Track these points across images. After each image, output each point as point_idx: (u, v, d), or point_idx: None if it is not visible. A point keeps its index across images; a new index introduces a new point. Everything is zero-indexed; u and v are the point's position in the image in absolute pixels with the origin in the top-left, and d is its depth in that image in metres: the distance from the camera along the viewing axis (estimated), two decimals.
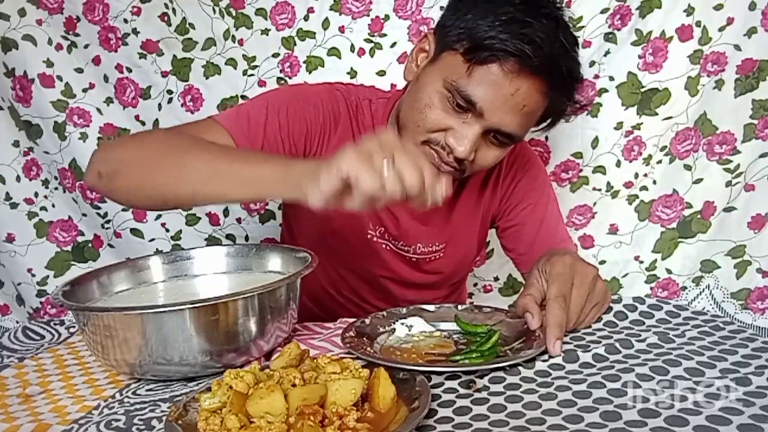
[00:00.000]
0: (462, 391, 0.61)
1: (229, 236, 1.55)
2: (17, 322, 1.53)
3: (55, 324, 0.95)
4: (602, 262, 1.43)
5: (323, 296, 1.09)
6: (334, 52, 1.41)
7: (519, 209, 1.04)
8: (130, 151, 0.78)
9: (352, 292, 1.07)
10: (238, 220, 1.53)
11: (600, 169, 1.40)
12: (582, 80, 0.86)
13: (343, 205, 0.61)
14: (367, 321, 0.79)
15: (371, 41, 1.40)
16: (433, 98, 0.83)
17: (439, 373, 0.64)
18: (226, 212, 1.52)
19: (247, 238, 1.54)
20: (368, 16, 1.38)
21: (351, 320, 0.84)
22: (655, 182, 1.38)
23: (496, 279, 1.54)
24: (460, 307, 0.83)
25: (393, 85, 1.37)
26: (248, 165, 0.71)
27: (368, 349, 0.69)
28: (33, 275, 1.53)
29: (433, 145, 0.84)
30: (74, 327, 0.93)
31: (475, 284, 1.54)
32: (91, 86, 1.45)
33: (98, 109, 1.46)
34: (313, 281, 1.00)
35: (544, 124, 0.92)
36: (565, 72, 0.81)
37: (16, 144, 1.49)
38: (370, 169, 0.57)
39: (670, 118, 1.33)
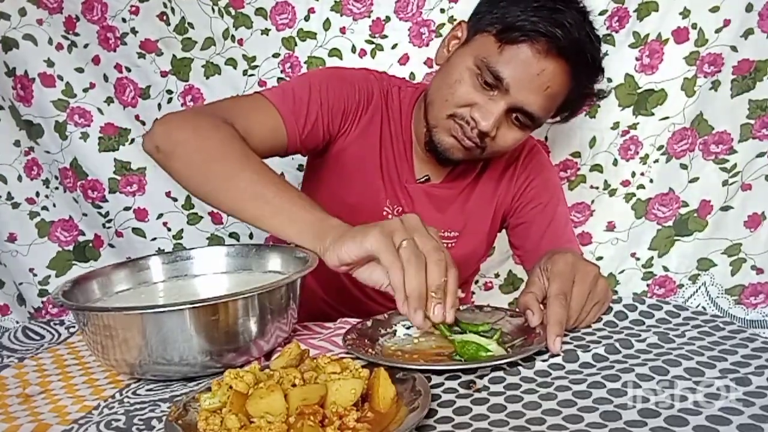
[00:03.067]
0: (462, 391, 0.61)
1: (232, 234, 1.56)
2: (17, 322, 1.53)
3: (55, 324, 0.95)
4: (599, 258, 1.45)
5: (330, 278, 1.09)
6: (335, 52, 1.41)
7: (530, 208, 1.07)
8: (190, 138, 0.80)
9: None
10: None
11: (597, 168, 1.41)
12: (603, 72, 0.93)
13: (356, 274, 0.68)
14: (369, 323, 0.79)
15: (372, 42, 1.40)
16: (463, 74, 0.89)
17: (439, 373, 0.64)
18: None
19: (251, 235, 1.55)
20: (369, 17, 1.39)
21: (352, 320, 0.84)
22: (651, 181, 1.40)
23: (497, 276, 1.55)
24: (461, 307, 0.83)
25: None
26: (290, 201, 0.73)
27: (369, 350, 0.69)
28: (35, 275, 1.54)
29: (458, 119, 0.91)
30: (74, 327, 0.93)
31: (476, 281, 1.54)
32: (92, 86, 1.46)
33: (99, 109, 1.47)
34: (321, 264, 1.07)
35: (564, 116, 0.98)
36: (590, 59, 0.87)
37: (17, 144, 1.49)
38: (391, 247, 0.62)
39: (666, 118, 1.34)
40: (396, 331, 0.77)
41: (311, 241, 0.71)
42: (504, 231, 1.15)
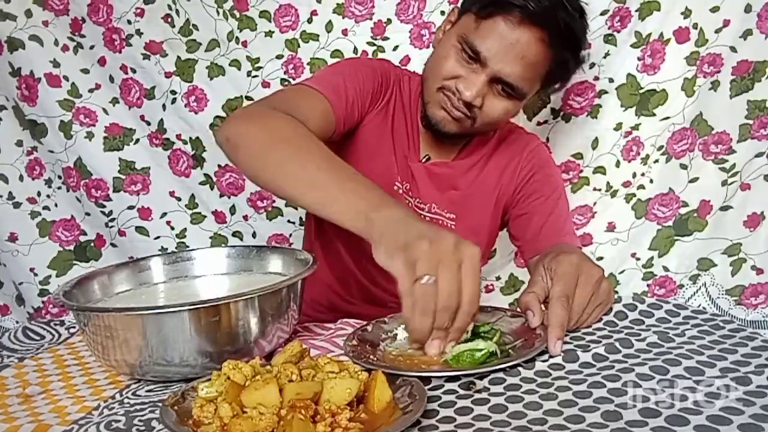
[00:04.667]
0: (462, 392, 0.61)
1: (235, 234, 1.56)
2: (17, 322, 1.53)
3: (55, 324, 0.95)
4: (599, 259, 1.44)
5: (339, 265, 1.12)
6: (337, 54, 1.42)
7: (531, 200, 1.09)
8: (253, 130, 0.82)
9: (368, 259, 1.08)
10: (245, 218, 1.54)
11: (600, 170, 1.40)
12: (584, 38, 0.97)
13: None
14: (369, 327, 0.79)
15: (374, 44, 1.41)
16: (449, 51, 0.96)
17: (439, 376, 0.64)
18: (232, 210, 1.54)
19: (254, 235, 1.55)
20: (371, 19, 1.39)
21: (352, 321, 0.85)
22: (651, 181, 1.39)
23: (498, 278, 1.55)
24: None
25: None
26: (340, 188, 0.72)
27: (371, 356, 0.69)
28: (35, 275, 1.54)
29: (446, 91, 0.97)
30: (74, 327, 0.93)
31: None
32: (97, 86, 1.47)
33: (104, 109, 1.48)
34: (331, 252, 1.07)
35: (553, 87, 1.04)
36: (563, 25, 0.90)
37: (19, 143, 1.50)
38: (409, 281, 0.61)
39: (667, 118, 1.34)
40: (397, 334, 0.76)
41: (363, 231, 0.68)
42: (505, 231, 1.16)
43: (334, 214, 0.71)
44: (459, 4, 1.01)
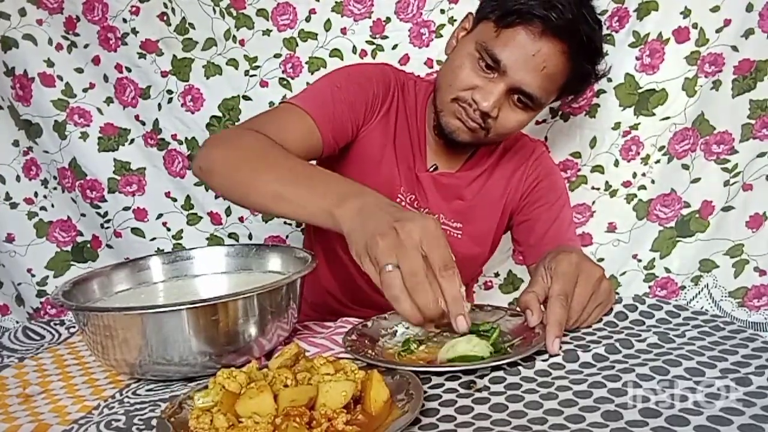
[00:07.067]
0: (462, 390, 0.61)
1: (231, 235, 1.55)
2: (17, 323, 1.53)
3: (55, 324, 0.95)
4: (600, 260, 1.44)
5: (339, 268, 1.11)
6: (336, 53, 1.41)
7: (537, 206, 1.10)
8: (223, 153, 0.83)
9: None
10: (241, 219, 1.53)
11: (598, 169, 1.40)
12: (602, 53, 0.97)
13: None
14: (369, 324, 0.79)
15: (373, 43, 1.40)
16: (464, 60, 0.94)
17: (440, 374, 0.64)
18: (228, 211, 1.53)
19: (250, 236, 1.55)
20: (370, 18, 1.39)
21: (352, 320, 0.84)
22: (653, 181, 1.38)
23: (497, 275, 1.55)
24: None
25: None
26: (308, 193, 0.73)
27: (369, 351, 0.69)
28: (33, 275, 1.53)
29: (461, 102, 0.95)
30: (74, 327, 0.93)
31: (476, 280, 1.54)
32: (92, 86, 1.46)
33: (98, 109, 1.47)
34: (333, 254, 1.07)
35: (569, 98, 1.03)
36: (585, 38, 0.90)
37: (15, 143, 1.50)
38: (374, 271, 0.62)
39: (668, 118, 1.33)
40: (396, 331, 0.77)
41: (335, 229, 0.69)
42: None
43: (307, 218, 0.74)
44: (475, 11, 0.99)
